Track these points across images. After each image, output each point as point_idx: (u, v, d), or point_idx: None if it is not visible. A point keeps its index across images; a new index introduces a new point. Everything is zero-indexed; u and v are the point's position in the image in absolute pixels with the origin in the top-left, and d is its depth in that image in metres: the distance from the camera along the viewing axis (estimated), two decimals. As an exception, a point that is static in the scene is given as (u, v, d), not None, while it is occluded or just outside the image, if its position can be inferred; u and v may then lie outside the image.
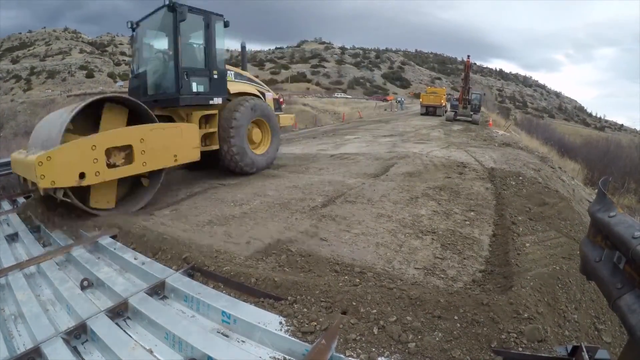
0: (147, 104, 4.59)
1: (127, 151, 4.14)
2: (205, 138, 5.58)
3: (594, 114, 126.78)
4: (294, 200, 4.73)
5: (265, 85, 7.30)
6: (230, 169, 5.96)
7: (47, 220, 4.17)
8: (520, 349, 1.83)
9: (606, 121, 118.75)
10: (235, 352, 1.89)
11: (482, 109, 24.56)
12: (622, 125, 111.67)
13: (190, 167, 6.14)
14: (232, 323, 2.15)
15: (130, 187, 4.76)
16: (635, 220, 1.37)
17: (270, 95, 7.22)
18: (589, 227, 1.68)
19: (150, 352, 2.01)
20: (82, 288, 2.72)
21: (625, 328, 1.25)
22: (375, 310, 2.09)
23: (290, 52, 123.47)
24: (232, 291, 2.49)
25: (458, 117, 20.75)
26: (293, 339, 1.93)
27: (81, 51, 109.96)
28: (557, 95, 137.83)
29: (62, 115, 3.92)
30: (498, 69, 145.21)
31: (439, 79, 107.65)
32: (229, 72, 6.06)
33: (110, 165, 3.97)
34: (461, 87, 22.17)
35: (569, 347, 1.80)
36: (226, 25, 5.86)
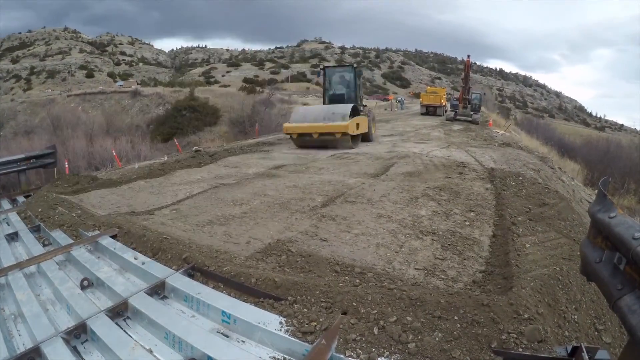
0: None
1: (358, 124, 9.73)
2: (358, 126, 10.09)
3: (594, 114, 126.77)
4: (294, 200, 4.73)
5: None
6: (367, 140, 10.88)
7: (47, 219, 4.18)
8: (520, 350, 1.83)
9: (606, 121, 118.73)
10: (235, 352, 1.89)
11: (483, 108, 24.57)
12: (622, 125, 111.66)
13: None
14: (232, 323, 2.14)
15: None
16: (635, 221, 1.37)
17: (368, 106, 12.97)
18: (589, 228, 1.68)
19: (150, 352, 2.01)
20: (82, 288, 2.72)
21: (626, 329, 1.25)
22: (375, 311, 2.09)
23: (290, 52, 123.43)
24: (232, 291, 2.49)
25: (458, 117, 20.69)
26: (293, 339, 1.93)
27: (81, 51, 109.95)
28: (557, 95, 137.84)
29: (343, 109, 9.47)
30: (498, 69, 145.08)
31: (439, 78, 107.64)
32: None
33: (356, 129, 9.60)
34: (461, 87, 22.14)
35: (569, 348, 1.79)
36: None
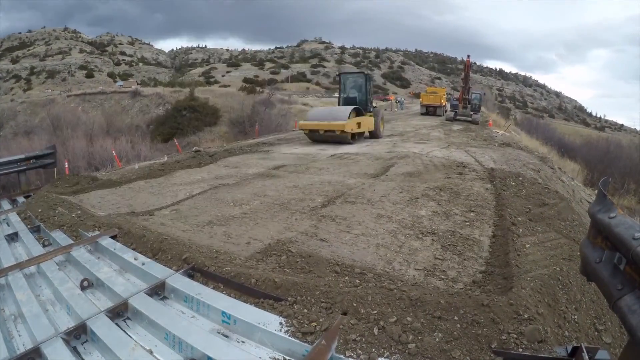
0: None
1: (359, 124, 10.98)
2: (359, 125, 11.34)
3: (594, 114, 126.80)
4: (294, 200, 4.73)
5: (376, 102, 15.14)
6: (374, 136, 12.20)
7: (47, 219, 4.18)
8: (521, 350, 1.83)
9: (606, 121, 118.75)
10: (235, 353, 1.89)
11: (483, 109, 24.55)
12: (622, 125, 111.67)
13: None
14: (232, 323, 2.14)
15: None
16: (635, 221, 1.37)
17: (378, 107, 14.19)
18: (589, 228, 1.68)
19: (150, 352, 2.00)
20: (82, 288, 2.71)
21: (626, 329, 1.25)
22: (375, 311, 2.09)
23: (290, 52, 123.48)
24: (232, 292, 2.49)
25: (458, 117, 20.69)
26: (293, 339, 1.93)
27: (81, 51, 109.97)
28: (557, 95, 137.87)
29: (344, 110, 10.82)
30: (498, 69, 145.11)
31: (439, 78, 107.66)
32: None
33: (357, 128, 10.84)
34: (461, 87, 22.13)
35: (569, 348, 1.79)
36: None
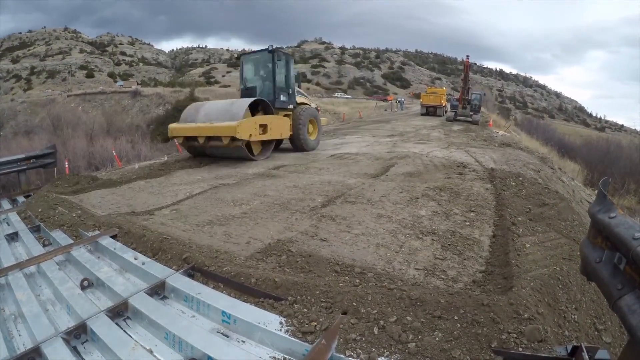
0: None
1: (265, 127, 7.56)
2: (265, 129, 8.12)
3: (594, 115, 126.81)
4: (294, 200, 4.73)
5: (309, 97, 11.17)
6: (296, 146, 9.08)
7: (47, 219, 4.18)
8: (521, 349, 1.83)
9: (606, 121, 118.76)
10: (236, 352, 1.89)
11: (483, 109, 24.55)
12: (622, 125, 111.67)
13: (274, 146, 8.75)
14: (232, 323, 2.15)
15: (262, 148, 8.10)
16: (635, 221, 1.37)
17: (313, 104, 10.67)
18: (589, 228, 1.68)
19: (150, 352, 2.01)
20: (82, 288, 2.72)
21: (626, 328, 1.25)
22: (375, 311, 2.09)
23: (291, 52, 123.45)
24: (232, 291, 2.49)
25: (458, 118, 20.78)
26: (293, 339, 1.93)
27: (81, 51, 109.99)
28: (557, 95, 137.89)
29: (239, 104, 7.33)
30: (498, 69, 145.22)
31: (439, 79, 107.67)
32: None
33: (259, 133, 7.34)
34: (461, 88, 22.22)
35: (569, 347, 1.80)
36: (295, 62, 9.73)
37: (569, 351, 1.77)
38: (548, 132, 32.35)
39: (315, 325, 2.00)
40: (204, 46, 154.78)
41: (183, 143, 8.14)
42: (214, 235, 3.59)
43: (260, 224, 3.89)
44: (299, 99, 9.51)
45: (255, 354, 1.93)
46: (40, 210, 4.44)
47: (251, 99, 7.47)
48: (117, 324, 2.22)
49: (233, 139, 6.79)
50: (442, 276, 2.77)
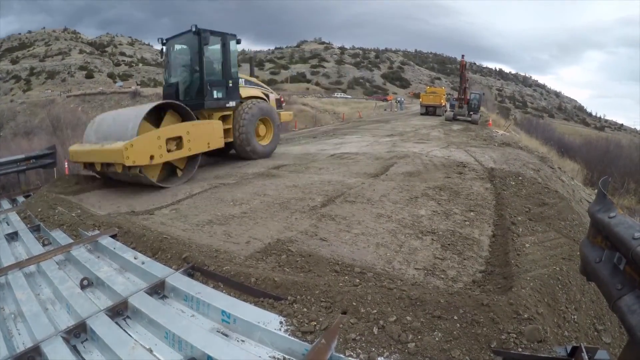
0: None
1: (178, 140, 5.63)
2: (224, 132, 6.83)
3: (593, 114, 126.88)
4: (294, 199, 4.73)
5: (269, 88, 8.89)
6: (240, 155, 7.48)
7: (46, 219, 4.18)
8: (520, 350, 1.83)
9: (606, 121, 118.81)
10: (235, 352, 1.89)
11: (482, 109, 24.53)
12: (622, 125, 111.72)
13: (213, 154, 7.20)
14: (232, 322, 2.15)
15: (170, 171, 6.09)
16: (635, 221, 1.37)
17: (272, 96, 8.71)
18: (588, 227, 1.68)
19: (150, 351, 2.01)
20: (82, 287, 2.72)
21: (625, 329, 1.25)
22: (375, 310, 2.09)
23: (290, 52, 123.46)
24: (232, 291, 2.49)
25: (457, 117, 20.75)
26: (293, 338, 1.93)
27: (81, 51, 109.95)
28: (557, 95, 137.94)
29: (131, 116, 5.36)
30: (498, 69, 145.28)
31: (439, 79, 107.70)
32: (240, 79, 7.39)
33: (168, 151, 5.43)
34: (458, 87, 22.22)
35: (569, 348, 1.80)
36: (238, 42, 7.27)
37: (568, 352, 1.78)
38: (547, 132, 32.36)
39: (315, 324, 2.00)
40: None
41: (85, 169, 6.06)
42: (214, 235, 3.59)
43: (260, 224, 3.89)
44: (247, 91, 7.57)
45: (255, 353, 1.93)
46: (40, 210, 4.44)
47: (148, 107, 5.44)
48: (116, 323, 2.22)
49: (125, 166, 4.89)
50: (442, 276, 2.77)
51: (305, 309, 2.17)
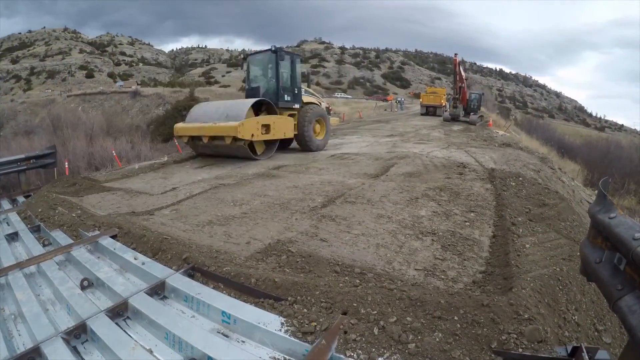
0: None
1: (267, 127, 7.67)
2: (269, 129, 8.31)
3: (593, 114, 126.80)
4: (294, 200, 4.73)
5: (321, 97, 12.27)
6: (301, 146, 9.23)
7: (47, 219, 4.18)
8: (521, 350, 1.83)
9: (606, 121, 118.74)
10: (236, 352, 1.89)
11: (483, 109, 24.46)
12: (622, 125, 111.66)
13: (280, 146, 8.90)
14: (232, 323, 2.15)
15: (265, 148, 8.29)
16: (635, 221, 1.37)
17: (323, 104, 11.32)
18: (589, 228, 1.68)
19: (150, 352, 2.01)
20: (82, 288, 2.72)
21: (626, 329, 1.25)
22: (375, 311, 2.10)
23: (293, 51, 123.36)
24: (232, 291, 2.49)
25: (453, 118, 20.32)
26: (293, 339, 1.93)
27: (81, 51, 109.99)
28: (557, 95, 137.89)
29: (240, 105, 7.54)
30: (498, 69, 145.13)
31: (439, 79, 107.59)
32: (302, 89, 9.54)
33: (262, 133, 7.50)
34: (452, 87, 21.90)
35: (569, 348, 1.80)
36: (302, 61, 9.47)
37: (569, 352, 1.78)
38: (548, 132, 32.35)
39: (315, 325, 2.00)
40: (203, 46, 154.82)
41: (188, 142, 8.37)
42: (214, 235, 3.59)
43: (260, 224, 3.89)
44: (306, 98, 9.74)
45: (255, 354, 1.93)
46: (40, 210, 4.44)
47: (253, 100, 7.67)
48: (117, 324, 2.22)
49: (235, 139, 6.99)
50: (442, 276, 2.77)
51: (305, 310, 2.17)
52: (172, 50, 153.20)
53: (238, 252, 3.14)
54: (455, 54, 20.07)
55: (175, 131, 8.26)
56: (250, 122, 7.15)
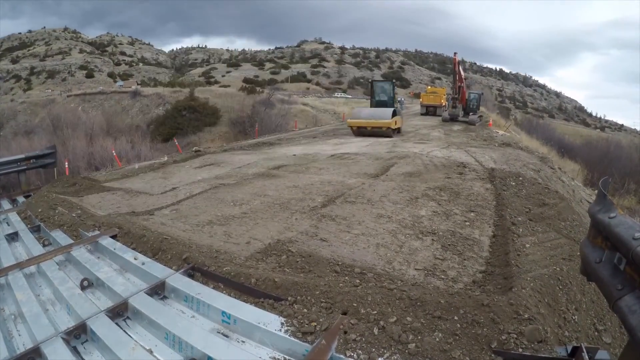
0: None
1: (396, 122, 13.28)
2: (396, 122, 13.32)
3: (593, 114, 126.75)
4: (294, 200, 4.73)
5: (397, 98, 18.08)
6: (399, 132, 13.99)
7: (47, 219, 4.18)
8: (521, 350, 1.83)
9: (606, 121, 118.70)
10: (236, 352, 1.89)
11: (483, 109, 24.40)
12: (622, 125, 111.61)
13: (378, 135, 13.05)
14: (232, 323, 2.14)
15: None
16: (635, 221, 1.37)
17: (397, 106, 15.95)
18: (589, 228, 1.68)
19: (150, 352, 2.00)
20: (82, 288, 2.71)
21: (626, 329, 1.25)
22: (375, 311, 2.09)
23: (290, 52, 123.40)
24: (232, 291, 2.49)
25: (452, 118, 19.88)
26: (293, 339, 1.93)
27: (81, 51, 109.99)
28: (557, 95, 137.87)
29: (386, 111, 13.07)
30: (498, 69, 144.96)
31: (439, 78, 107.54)
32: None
33: (394, 123, 13.00)
34: (451, 86, 21.57)
35: (569, 348, 1.80)
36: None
37: (569, 352, 1.78)
38: (548, 132, 32.34)
39: (315, 325, 2.00)
40: (203, 46, 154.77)
41: (355, 129, 13.43)
42: (214, 235, 3.59)
43: (260, 224, 3.89)
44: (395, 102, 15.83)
45: (255, 354, 1.93)
46: (40, 210, 4.44)
47: (392, 109, 13.20)
48: (117, 324, 2.22)
49: (388, 128, 12.70)
50: (442, 276, 2.77)
51: (305, 310, 2.17)
52: (172, 50, 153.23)
53: (238, 252, 3.14)
54: (455, 53, 19.61)
55: (348, 124, 14.02)
56: (393, 120, 12.81)
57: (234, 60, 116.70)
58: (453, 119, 19.58)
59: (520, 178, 5.63)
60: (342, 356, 1.81)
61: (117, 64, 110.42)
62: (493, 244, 3.39)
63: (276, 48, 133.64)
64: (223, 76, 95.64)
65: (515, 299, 2.13)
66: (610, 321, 2.76)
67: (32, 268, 3.02)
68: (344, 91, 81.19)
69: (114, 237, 3.47)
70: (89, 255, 3.17)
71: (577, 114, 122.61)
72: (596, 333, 2.60)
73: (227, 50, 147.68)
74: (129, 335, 2.14)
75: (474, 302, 2.12)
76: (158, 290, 2.53)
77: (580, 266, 1.69)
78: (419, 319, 2.04)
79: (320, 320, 2.03)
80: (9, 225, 4.41)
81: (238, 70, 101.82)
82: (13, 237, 3.92)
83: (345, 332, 1.95)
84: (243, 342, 2.05)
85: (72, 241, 3.51)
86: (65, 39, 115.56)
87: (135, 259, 3.00)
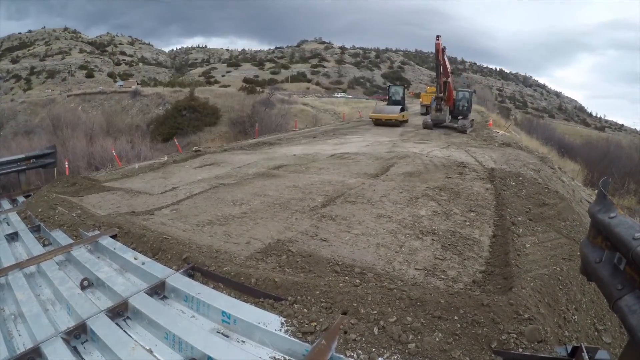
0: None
1: (404, 115, 17.99)
2: (403, 116, 17.66)
3: (593, 114, 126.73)
4: (294, 200, 4.73)
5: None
6: (401, 125, 16.97)
7: (47, 219, 4.18)
8: (521, 350, 1.83)
9: (606, 121, 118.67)
10: (236, 352, 1.89)
11: (482, 109, 24.30)
12: (622, 125, 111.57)
13: (390, 125, 17.01)
14: (232, 323, 2.14)
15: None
16: (635, 221, 1.37)
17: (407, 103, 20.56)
18: (589, 228, 1.68)
19: (150, 352, 2.00)
20: (82, 288, 2.71)
21: (626, 329, 1.25)
22: (375, 311, 2.09)
23: (290, 52, 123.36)
24: (232, 291, 2.49)
25: (436, 124, 15.02)
26: (293, 339, 1.93)
27: (81, 51, 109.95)
28: (557, 95, 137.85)
29: (395, 108, 17.88)
30: (498, 69, 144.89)
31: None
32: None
33: (402, 116, 17.71)
34: (435, 82, 16.17)
35: (569, 348, 1.80)
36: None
37: (569, 352, 1.78)
38: (548, 132, 32.33)
39: (315, 325, 2.00)
40: (203, 46, 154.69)
41: (374, 120, 17.63)
42: (214, 235, 3.59)
43: (260, 224, 3.89)
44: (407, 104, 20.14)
45: (255, 354, 1.93)
46: (40, 210, 4.43)
47: (399, 106, 17.52)
48: (117, 324, 2.22)
49: (397, 119, 16.62)
50: (442, 276, 2.77)
51: (305, 310, 2.17)
52: (172, 50, 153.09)
53: (238, 252, 3.14)
54: (438, 36, 13.66)
55: (370, 117, 18.30)
56: (401, 114, 16.92)
57: (234, 60, 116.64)
58: (437, 124, 14.91)
59: (520, 178, 5.63)
60: (342, 356, 1.81)
61: (117, 63, 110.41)
62: (493, 244, 3.39)
63: (276, 48, 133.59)
64: (223, 76, 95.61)
65: (515, 299, 2.13)
66: (610, 321, 2.76)
67: (32, 268, 3.02)
68: (344, 91, 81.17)
69: (114, 237, 3.47)
70: (89, 255, 3.17)
71: (577, 114, 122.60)
72: (596, 333, 2.60)
73: (227, 50, 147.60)
74: (129, 335, 2.14)
75: (474, 302, 2.12)
76: (158, 290, 2.53)
77: (580, 266, 1.69)
78: (419, 318, 2.04)
79: (320, 320, 2.03)
80: (9, 225, 4.41)
81: (238, 70, 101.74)
82: (13, 237, 3.92)
83: (345, 332, 1.95)
84: (243, 342, 2.05)
85: (72, 241, 3.51)
86: (65, 39, 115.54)
87: (135, 258, 3.00)
